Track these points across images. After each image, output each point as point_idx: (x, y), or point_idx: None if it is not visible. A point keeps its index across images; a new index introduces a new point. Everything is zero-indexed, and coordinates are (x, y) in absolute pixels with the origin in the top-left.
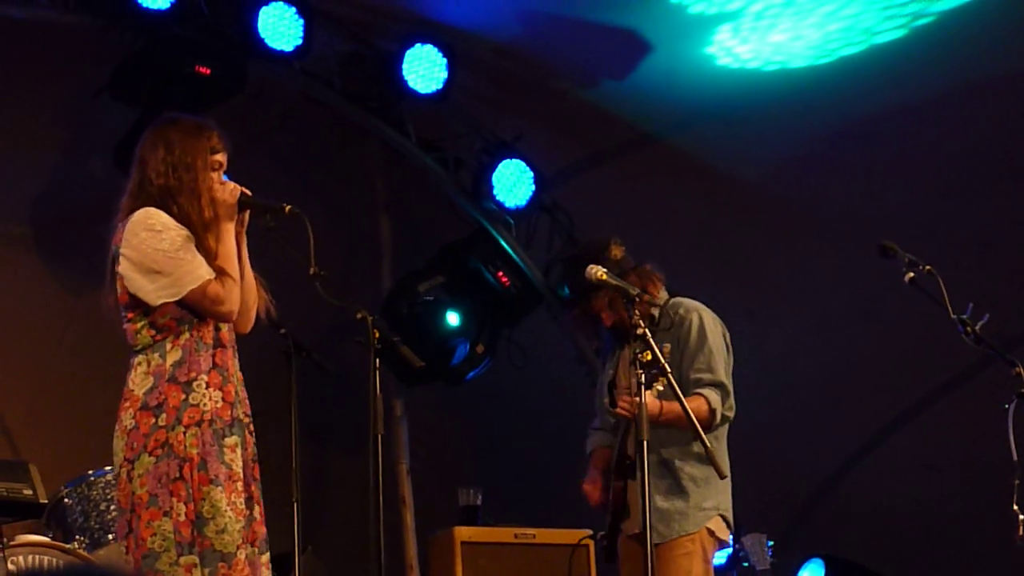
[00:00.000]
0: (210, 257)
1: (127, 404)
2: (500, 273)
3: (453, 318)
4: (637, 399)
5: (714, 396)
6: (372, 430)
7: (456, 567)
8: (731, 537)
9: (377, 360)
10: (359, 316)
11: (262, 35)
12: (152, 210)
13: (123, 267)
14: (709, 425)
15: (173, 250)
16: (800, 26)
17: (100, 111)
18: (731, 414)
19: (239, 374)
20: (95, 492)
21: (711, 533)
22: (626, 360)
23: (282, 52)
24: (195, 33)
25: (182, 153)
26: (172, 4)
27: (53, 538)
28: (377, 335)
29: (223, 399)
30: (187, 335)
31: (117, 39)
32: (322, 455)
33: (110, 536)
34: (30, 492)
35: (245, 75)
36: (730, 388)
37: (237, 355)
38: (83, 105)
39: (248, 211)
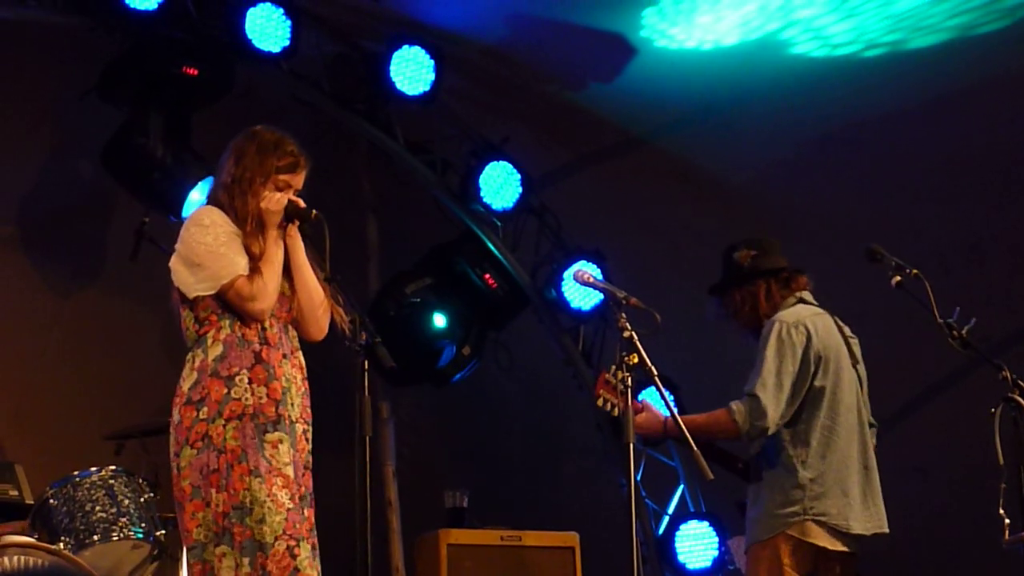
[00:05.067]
0: (253, 261)
1: (176, 400)
2: (487, 275)
3: (440, 320)
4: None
5: (739, 407)
6: (360, 431)
7: (442, 570)
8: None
9: (366, 361)
10: (348, 317)
11: (249, 36)
12: (207, 208)
13: (172, 261)
14: (737, 436)
15: (216, 245)
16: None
17: (88, 112)
18: (765, 424)
19: (299, 382)
20: (80, 493)
21: (794, 539)
22: None
23: (270, 53)
24: (183, 34)
25: (245, 169)
26: (160, 5)
27: (39, 539)
28: (364, 336)
29: (267, 395)
30: (228, 330)
31: (105, 40)
32: None
33: (95, 537)
34: (16, 493)
35: (233, 76)
36: (767, 399)
37: (295, 360)
38: (71, 106)
39: (295, 221)
